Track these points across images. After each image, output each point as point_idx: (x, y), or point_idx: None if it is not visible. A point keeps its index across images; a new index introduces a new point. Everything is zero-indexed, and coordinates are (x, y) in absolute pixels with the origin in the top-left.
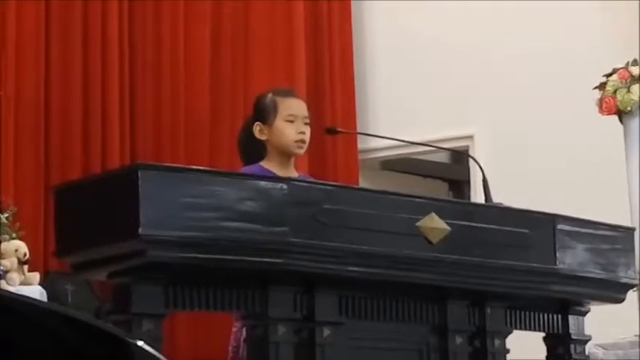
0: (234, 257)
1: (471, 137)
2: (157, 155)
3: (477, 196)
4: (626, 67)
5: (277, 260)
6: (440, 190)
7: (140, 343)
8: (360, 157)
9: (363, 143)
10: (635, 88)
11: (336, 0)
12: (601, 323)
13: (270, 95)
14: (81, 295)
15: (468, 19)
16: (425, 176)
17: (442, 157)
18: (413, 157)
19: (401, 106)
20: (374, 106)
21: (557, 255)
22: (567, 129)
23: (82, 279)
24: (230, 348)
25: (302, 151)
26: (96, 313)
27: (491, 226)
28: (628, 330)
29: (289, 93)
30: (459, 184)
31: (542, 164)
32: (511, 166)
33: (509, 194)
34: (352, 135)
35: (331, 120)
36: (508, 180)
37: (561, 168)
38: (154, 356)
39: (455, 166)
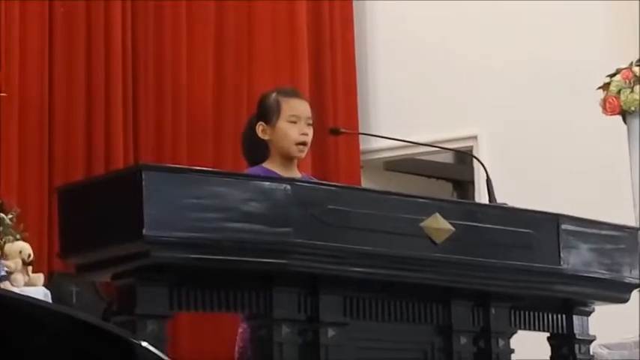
0: (238, 258)
1: (474, 138)
2: (160, 156)
3: (481, 197)
4: (629, 68)
5: (281, 261)
6: (444, 191)
7: (144, 343)
8: (363, 157)
9: (365, 144)
10: (638, 88)
11: (338, 0)
12: (605, 323)
13: (274, 95)
14: (85, 296)
15: (471, 20)
16: (429, 177)
17: (446, 158)
18: (416, 157)
19: (404, 107)
20: (376, 106)
21: (562, 255)
22: (571, 129)
23: (86, 280)
24: (237, 349)
25: (303, 155)
26: (104, 314)
27: (495, 227)
28: (632, 330)
29: (293, 93)
30: (463, 185)
31: (546, 164)
32: (515, 167)
33: (513, 194)
34: (355, 136)
35: (334, 121)
36: (512, 180)
37: (565, 168)
38: (158, 357)
39: (459, 167)
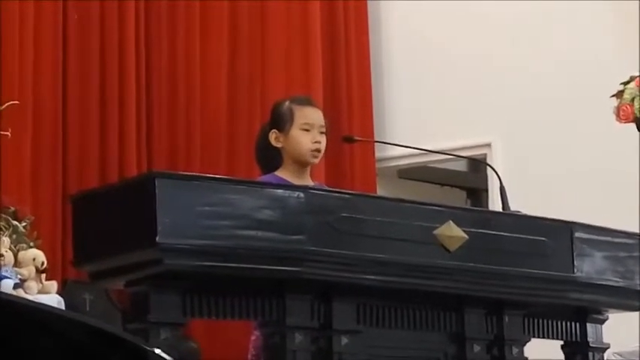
0: (251, 266)
1: (488, 145)
2: (173, 164)
3: (495, 205)
4: None
5: (294, 269)
6: (458, 199)
7: (157, 351)
8: (377, 165)
9: (380, 152)
10: None
11: (352, 8)
12: (619, 331)
13: (287, 103)
14: (99, 304)
15: (486, 27)
16: (442, 185)
17: (459, 166)
18: (430, 165)
19: (418, 115)
20: (391, 114)
21: (575, 263)
22: (585, 137)
23: (99, 288)
24: (249, 356)
25: (317, 160)
26: (122, 322)
27: (509, 234)
28: None
29: (307, 101)
30: (477, 193)
31: (560, 172)
32: (528, 174)
33: (526, 202)
34: (369, 144)
35: (348, 128)
36: (525, 188)
37: (578, 176)
38: None
39: (472, 175)
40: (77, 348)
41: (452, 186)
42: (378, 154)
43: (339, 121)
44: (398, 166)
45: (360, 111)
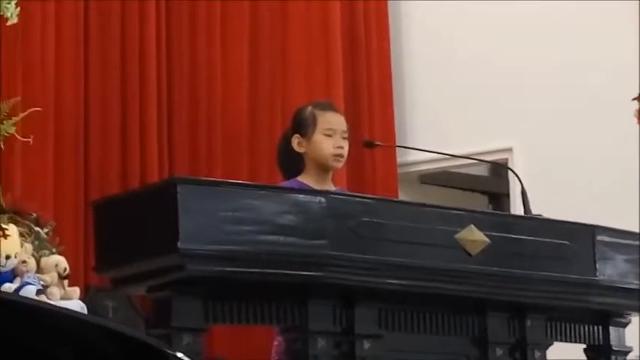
0: (273, 271)
1: (510, 150)
2: (194, 170)
3: (517, 209)
4: None
5: (316, 273)
6: (479, 204)
7: (179, 354)
8: (399, 170)
9: (401, 157)
10: None
11: (373, 9)
12: None
13: (309, 108)
14: (121, 310)
15: (506, 31)
16: (464, 190)
17: (481, 171)
18: (452, 170)
19: (439, 120)
20: (412, 119)
21: (597, 266)
22: (606, 141)
23: (122, 294)
24: None
25: (340, 165)
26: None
27: (531, 238)
28: None
29: (329, 107)
30: (499, 197)
31: (582, 176)
32: (550, 179)
33: (548, 207)
34: (391, 149)
35: (369, 133)
36: (547, 192)
37: (600, 179)
38: None
39: (494, 179)
40: (99, 354)
41: (474, 191)
42: (399, 160)
43: (360, 126)
44: (420, 171)
45: (381, 116)
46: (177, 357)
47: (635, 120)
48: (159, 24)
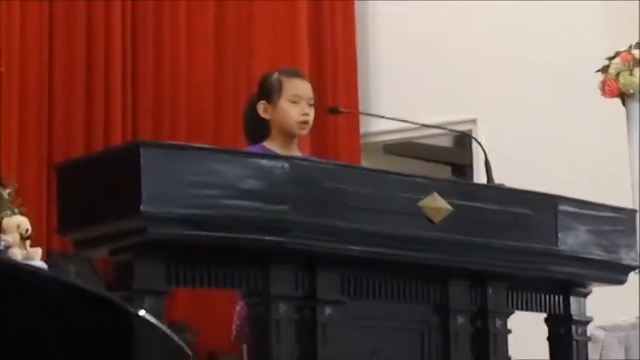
0: (235, 235)
1: (473, 121)
2: (158, 134)
3: (480, 181)
4: (628, 50)
5: (278, 238)
6: (443, 174)
7: (142, 312)
8: (363, 140)
9: (365, 127)
10: (637, 71)
11: None
12: (602, 305)
13: (276, 74)
14: (84, 276)
15: (471, 4)
16: (427, 160)
17: (445, 142)
18: (416, 141)
19: (403, 91)
20: (376, 90)
21: (559, 236)
22: (570, 112)
23: (84, 259)
24: (234, 326)
25: (304, 132)
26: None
27: (493, 207)
28: (629, 312)
29: (295, 74)
30: (462, 169)
31: (545, 148)
32: (513, 151)
33: (511, 179)
34: (355, 118)
35: (334, 102)
36: (510, 164)
37: (563, 152)
38: (155, 326)
39: (457, 151)
40: (60, 309)
41: (437, 162)
42: (363, 130)
43: (324, 96)
44: (383, 141)
45: (345, 88)
46: (138, 315)
47: (599, 92)
48: None
